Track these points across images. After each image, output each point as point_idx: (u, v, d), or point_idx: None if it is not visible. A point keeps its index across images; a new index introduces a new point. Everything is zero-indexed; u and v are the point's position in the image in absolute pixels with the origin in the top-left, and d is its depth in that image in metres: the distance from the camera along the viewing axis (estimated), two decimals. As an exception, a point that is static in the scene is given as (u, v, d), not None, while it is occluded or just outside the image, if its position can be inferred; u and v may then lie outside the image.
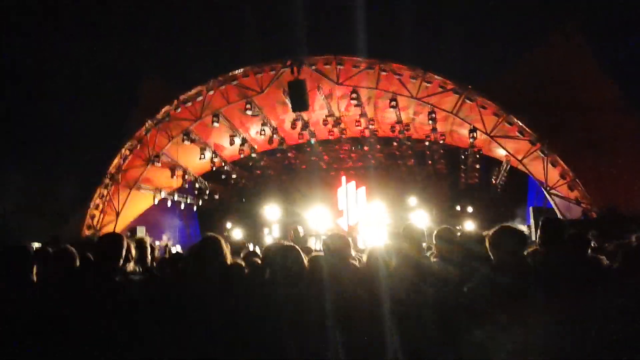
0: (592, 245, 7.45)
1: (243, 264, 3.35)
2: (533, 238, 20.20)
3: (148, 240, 4.15)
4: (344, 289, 3.13)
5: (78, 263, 3.74)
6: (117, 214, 23.49)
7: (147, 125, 22.02)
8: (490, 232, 3.10)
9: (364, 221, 26.67)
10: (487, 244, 3.06)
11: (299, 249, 3.29)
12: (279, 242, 4.48)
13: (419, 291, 3.29)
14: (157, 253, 20.15)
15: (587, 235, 4.22)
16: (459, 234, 4.66)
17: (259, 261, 4.33)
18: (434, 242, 4.09)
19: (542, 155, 19.57)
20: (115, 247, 3.42)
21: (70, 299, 3.13)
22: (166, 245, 24.43)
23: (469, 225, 25.89)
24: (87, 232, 23.18)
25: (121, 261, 3.41)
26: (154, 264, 4.20)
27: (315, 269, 3.25)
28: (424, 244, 4.62)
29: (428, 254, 4.31)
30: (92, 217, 23.28)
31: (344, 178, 27.34)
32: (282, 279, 3.05)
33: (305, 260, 3.84)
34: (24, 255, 3.64)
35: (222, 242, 3.20)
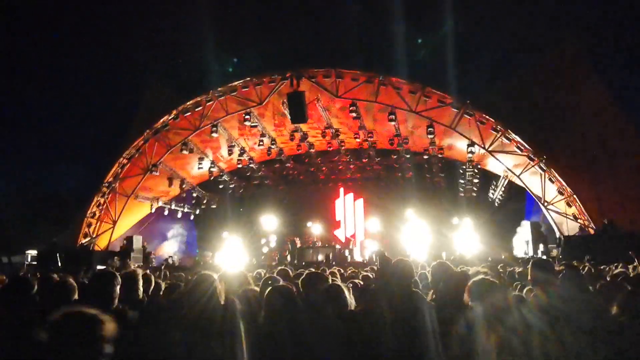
0: (588, 268, 7.44)
1: (237, 301, 3.30)
2: (530, 252, 20.26)
3: (140, 273, 4.06)
4: (338, 336, 3.09)
5: (76, 296, 3.75)
6: (114, 223, 23.47)
7: (145, 134, 22.04)
8: (472, 281, 3.09)
9: (361, 232, 26.70)
10: (466, 292, 3.07)
11: (293, 292, 3.23)
12: (277, 278, 4.40)
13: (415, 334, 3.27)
14: (154, 262, 19.95)
15: (580, 267, 4.19)
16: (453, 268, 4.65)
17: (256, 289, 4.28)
18: (430, 276, 4.06)
19: (540, 171, 19.61)
20: (108, 286, 3.42)
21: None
22: (166, 259, 24.42)
23: (466, 237, 25.87)
24: (83, 240, 23.14)
25: (115, 301, 3.41)
26: (148, 295, 4.11)
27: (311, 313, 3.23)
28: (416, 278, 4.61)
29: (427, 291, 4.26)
30: (89, 225, 23.23)
31: (342, 190, 27.40)
32: (275, 324, 3.01)
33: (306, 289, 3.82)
34: (27, 287, 3.72)
35: (215, 282, 3.15)
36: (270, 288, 3.33)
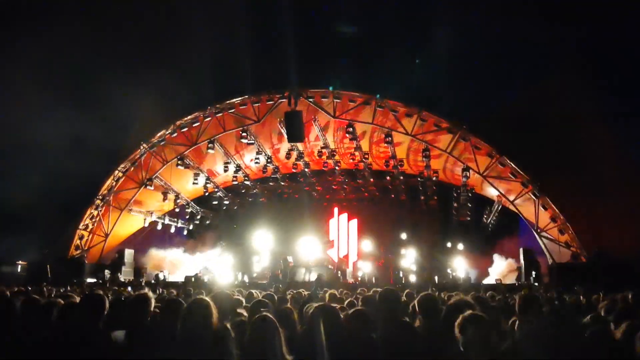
0: (574, 300, 7.42)
1: (230, 329, 3.23)
2: (522, 279, 20.23)
3: (152, 298, 3.96)
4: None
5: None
6: (106, 236, 23.35)
7: (141, 148, 22.08)
8: (461, 317, 3.09)
9: (354, 253, 26.62)
10: (456, 329, 3.07)
11: (277, 326, 3.18)
12: (261, 308, 4.34)
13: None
14: (144, 277, 19.62)
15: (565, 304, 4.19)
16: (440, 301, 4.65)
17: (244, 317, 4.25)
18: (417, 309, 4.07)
19: (534, 197, 19.69)
20: (97, 308, 3.41)
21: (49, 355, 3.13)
22: (157, 275, 24.19)
23: (459, 263, 25.87)
24: (74, 253, 22.99)
25: (101, 322, 3.39)
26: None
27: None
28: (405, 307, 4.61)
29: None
30: (81, 237, 23.12)
31: (336, 209, 27.38)
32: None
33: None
34: (9, 308, 3.72)
35: (210, 308, 3.10)
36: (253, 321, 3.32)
